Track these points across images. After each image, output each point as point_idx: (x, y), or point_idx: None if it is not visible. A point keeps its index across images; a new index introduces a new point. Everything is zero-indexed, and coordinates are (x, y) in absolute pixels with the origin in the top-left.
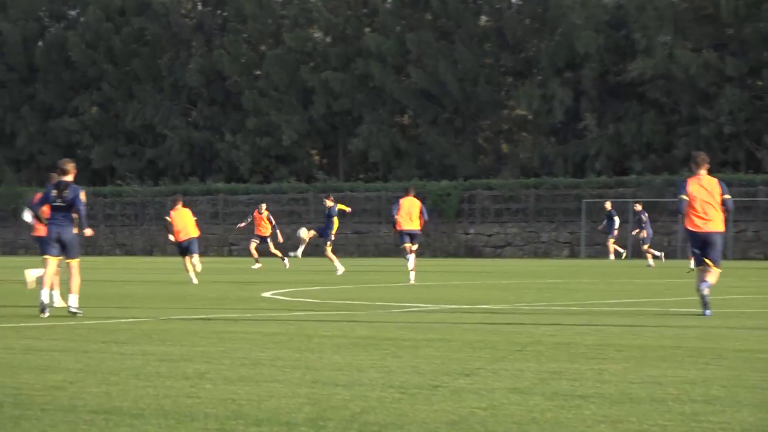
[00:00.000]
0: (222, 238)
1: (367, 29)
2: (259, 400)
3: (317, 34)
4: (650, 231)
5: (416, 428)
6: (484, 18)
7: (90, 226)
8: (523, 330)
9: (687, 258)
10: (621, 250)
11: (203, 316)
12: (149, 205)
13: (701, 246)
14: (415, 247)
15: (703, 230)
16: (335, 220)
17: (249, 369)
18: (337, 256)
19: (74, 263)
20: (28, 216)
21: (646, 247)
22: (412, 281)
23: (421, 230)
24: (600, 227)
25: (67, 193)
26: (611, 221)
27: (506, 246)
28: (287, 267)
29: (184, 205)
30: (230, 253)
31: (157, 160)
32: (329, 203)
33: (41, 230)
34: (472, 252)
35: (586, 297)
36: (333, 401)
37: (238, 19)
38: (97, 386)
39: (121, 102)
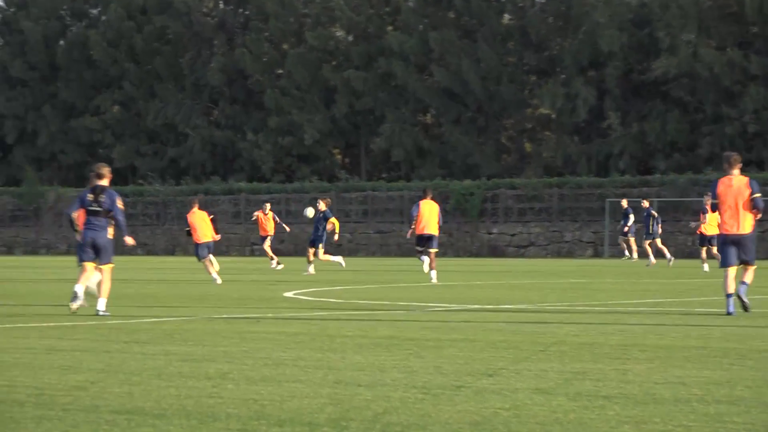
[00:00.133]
0: (244, 238)
1: (390, 28)
2: (282, 401)
3: (339, 33)
4: (656, 229)
5: (439, 429)
6: (507, 16)
7: (111, 225)
8: (547, 330)
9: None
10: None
11: (225, 316)
12: (171, 204)
13: (733, 247)
14: (434, 250)
15: (732, 232)
16: (335, 220)
17: (271, 369)
18: (359, 256)
19: (106, 268)
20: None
21: (650, 243)
22: (434, 280)
23: (438, 233)
24: (620, 227)
25: (104, 198)
26: (626, 219)
27: (529, 246)
28: (275, 268)
29: (201, 207)
30: (252, 253)
31: (179, 159)
32: (323, 206)
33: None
34: (495, 252)
35: (609, 297)
36: (355, 401)
37: (260, 18)
38: (119, 386)
39: (142, 101)
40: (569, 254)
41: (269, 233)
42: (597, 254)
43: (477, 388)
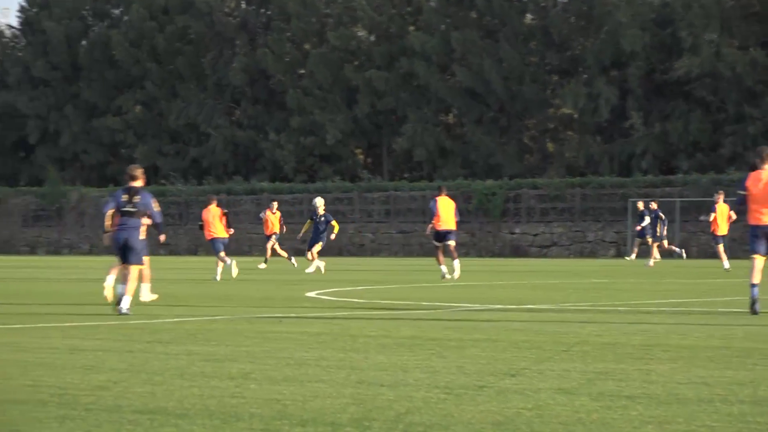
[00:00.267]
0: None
1: (412, 28)
2: (304, 401)
3: (361, 33)
4: (662, 231)
5: (461, 429)
6: (529, 16)
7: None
8: (569, 330)
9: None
10: (674, 249)
11: (248, 316)
12: (193, 204)
13: (763, 238)
14: (452, 243)
15: (762, 223)
16: (335, 223)
17: (294, 369)
18: (381, 256)
19: (134, 269)
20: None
21: (658, 244)
22: (457, 272)
23: (457, 228)
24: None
25: (138, 199)
26: (642, 220)
27: (552, 246)
28: (262, 268)
29: (218, 205)
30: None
31: (201, 159)
32: (322, 210)
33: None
34: (518, 252)
35: (632, 297)
36: (378, 401)
37: (282, 18)
38: (141, 386)
39: (164, 101)
40: (592, 254)
41: (275, 232)
42: (620, 254)
43: (499, 388)
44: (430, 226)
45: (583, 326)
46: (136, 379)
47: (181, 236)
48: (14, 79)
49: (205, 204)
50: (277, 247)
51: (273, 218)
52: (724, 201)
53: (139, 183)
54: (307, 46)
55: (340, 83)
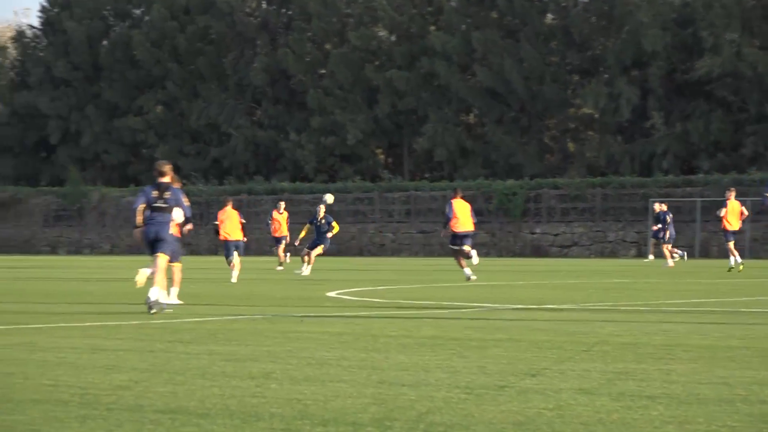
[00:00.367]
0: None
1: (432, 27)
2: (325, 400)
3: (382, 33)
4: (673, 231)
5: (482, 429)
6: (550, 16)
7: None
8: (590, 330)
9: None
10: (676, 251)
11: (269, 316)
12: (214, 204)
13: None
14: (467, 247)
15: None
16: (336, 224)
17: (315, 369)
18: (402, 256)
19: (162, 258)
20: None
21: (668, 247)
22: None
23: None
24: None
25: (169, 195)
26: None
27: (572, 246)
28: (279, 270)
29: (235, 207)
30: (295, 253)
31: (222, 159)
32: (323, 213)
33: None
34: (539, 251)
35: (653, 297)
36: (399, 401)
37: (303, 18)
38: (162, 386)
39: (185, 101)
40: (612, 254)
41: (284, 234)
42: (640, 254)
43: (520, 388)
44: (445, 230)
45: (604, 326)
46: (157, 379)
47: (202, 236)
48: (35, 79)
49: (223, 205)
50: (281, 247)
51: (281, 219)
52: (736, 198)
53: (167, 179)
54: (327, 46)
55: (360, 83)
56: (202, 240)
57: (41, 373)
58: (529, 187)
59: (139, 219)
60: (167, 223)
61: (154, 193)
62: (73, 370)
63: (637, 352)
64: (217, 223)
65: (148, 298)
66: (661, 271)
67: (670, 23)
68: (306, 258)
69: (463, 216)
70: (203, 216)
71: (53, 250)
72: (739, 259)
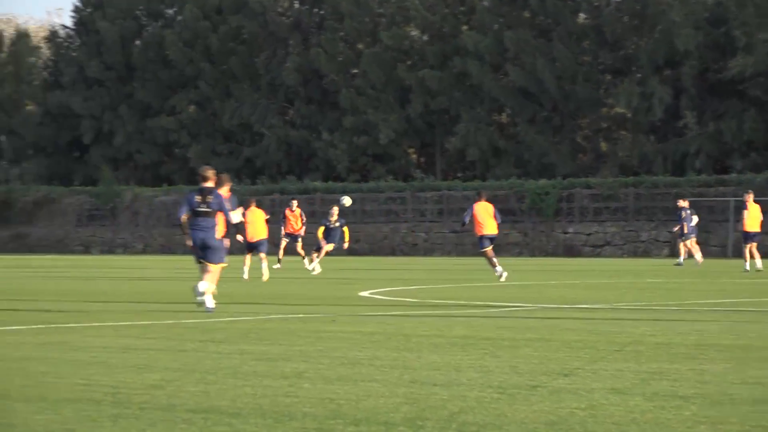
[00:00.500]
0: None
1: (465, 27)
2: (357, 400)
3: (414, 32)
4: (691, 228)
5: (515, 428)
6: (582, 15)
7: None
8: (623, 330)
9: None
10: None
11: (301, 315)
12: (246, 204)
13: None
14: (489, 248)
15: None
16: (346, 230)
17: (347, 368)
18: (434, 256)
19: (215, 268)
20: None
21: (683, 243)
22: (504, 277)
23: (498, 232)
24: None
25: (211, 199)
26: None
27: (605, 245)
28: (310, 270)
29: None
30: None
31: (255, 159)
32: (335, 216)
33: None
34: (571, 251)
35: (686, 297)
36: (431, 401)
37: (335, 18)
38: (194, 385)
39: (218, 101)
40: (645, 254)
41: (295, 231)
42: (673, 254)
43: (553, 388)
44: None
45: (637, 326)
46: (189, 378)
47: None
48: (69, 79)
49: (264, 207)
50: (282, 244)
51: (292, 217)
52: (755, 201)
53: (210, 183)
54: (360, 46)
55: (393, 83)
56: (234, 239)
57: (74, 372)
58: (562, 187)
59: (186, 226)
60: (212, 228)
61: (198, 198)
62: (105, 369)
63: (671, 352)
64: (243, 225)
65: (197, 288)
66: (695, 271)
67: (703, 22)
68: (315, 254)
69: (484, 218)
70: None
71: (86, 250)
72: (759, 263)
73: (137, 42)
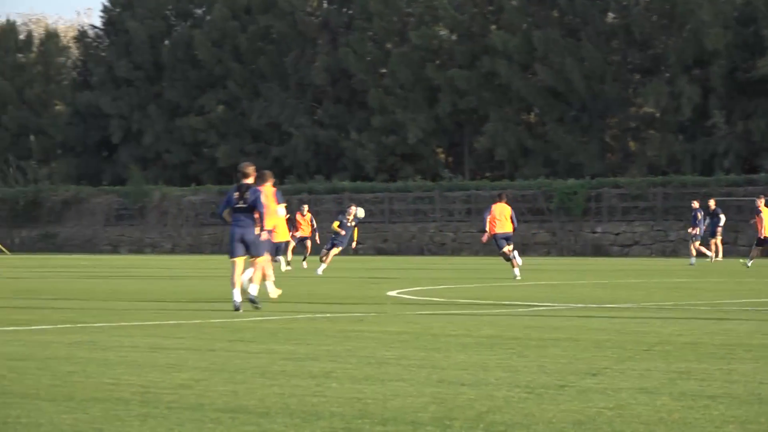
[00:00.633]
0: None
1: (493, 27)
2: (385, 399)
3: (443, 32)
4: (702, 229)
5: (543, 428)
6: (611, 15)
7: (216, 224)
8: (651, 329)
9: None
10: (706, 251)
11: (328, 315)
12: None
13: None
14: (510, 247)
15: None
16: (356, 229)
17: (375, 368)
18: (462, 255)
19: (260, 261)
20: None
21: (696, 244)
22: (518, 276)
23: (513, 233)
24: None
25: (248, 195)
26: (717, 219)
27: (633, 245)
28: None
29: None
30: (356, 252)
31: (283, 158)
32: (352, 217)
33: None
34: (599, 251)
35: (714, 296)
36: (459, 401)
37: (364, 17)
38: (223, 385)
39: (246, 100)
40: (674, 253)
41: (303, 235)
42: (700, 254)
43: (580, 388)
44: (486, 234)
45: (665, 326)
46: (217, 378)
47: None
48: (97, 79)
49: (292, 206)
50: (290, 247)
51: (303, 221)
52: (766, 205)
53: (250, 180)
54: (388, 46)
55: (421, 82)
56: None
57: (102, 371)
58: (590, 186)
59: (228, 220)
60: (251, 224)
61: (236, 195)
62: (134, 368)
63: (699, 352)
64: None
65: (250, 295)
66: (723, 271)
67: (732, 22)
68: (324, 258)
69: (502, 218)
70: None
71: (115, 250)
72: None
73: (166, 42)
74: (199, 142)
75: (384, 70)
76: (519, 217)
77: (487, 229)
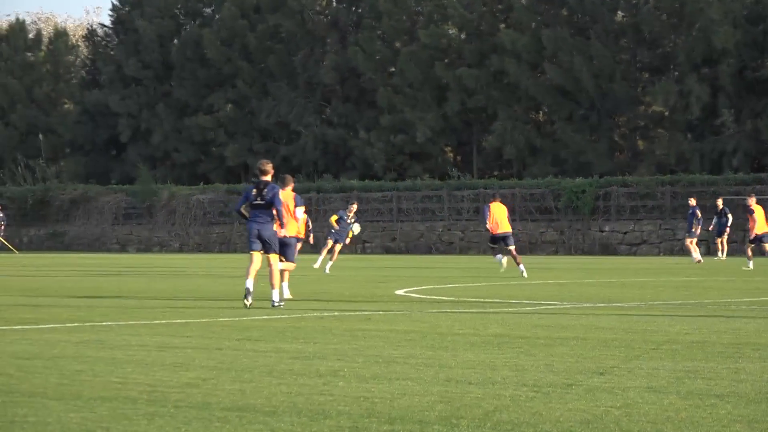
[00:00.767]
0: (355, 236)
1: (502, 25)
2: (392, 398)
3: (452, 31)
4: (699, 227)
5: (550, 427)
6: (620, 14)
7: (224, 223)
8: (659, 328)
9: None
10: (693, 251)
11: (336, 314)
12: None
13: None
14: (512, 247)
15: None
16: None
17: (382, 367)
18: (471, 254)
19: (274, 258)
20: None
21: (694, 241)
22: (525, 274)
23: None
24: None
25: (266, 192)
26: (726, 218)
27: (642, 243)
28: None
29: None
30: (363, 251)
31: (292, 157)
32: (352, 213)
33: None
34: (607, 249)
35: (722, 295)
36: (466, 399)
37: (373, 16)
38: (230, 383)
39: (255, 99)
40: (682, 252)
41: (302, 238)
42: (710, 252)
43: (588, 387)
44: (489, 227)
45: (673, 324)
46: (225, 377)
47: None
48: (106, 77)
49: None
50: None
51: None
52: (757, 203)
53: (269, 177)
54: (397, 45)
55: (430, 81)
56: None
57: (110, 370)
58: (599, 185)
59: (243, 215)
60: (269, 221)
61: (254, 192)
62: (141, 367)
63: (706, 351)
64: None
65: (273, 302)
66: (732, 269)
67: (741, 20)
68: (331, 257)
69: (499, 218)
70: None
71: (123, 248)
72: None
73: (175, 41)
74: (208, 141)
75: (393, 69)
76: (527, 215)
77: (489, 227)
